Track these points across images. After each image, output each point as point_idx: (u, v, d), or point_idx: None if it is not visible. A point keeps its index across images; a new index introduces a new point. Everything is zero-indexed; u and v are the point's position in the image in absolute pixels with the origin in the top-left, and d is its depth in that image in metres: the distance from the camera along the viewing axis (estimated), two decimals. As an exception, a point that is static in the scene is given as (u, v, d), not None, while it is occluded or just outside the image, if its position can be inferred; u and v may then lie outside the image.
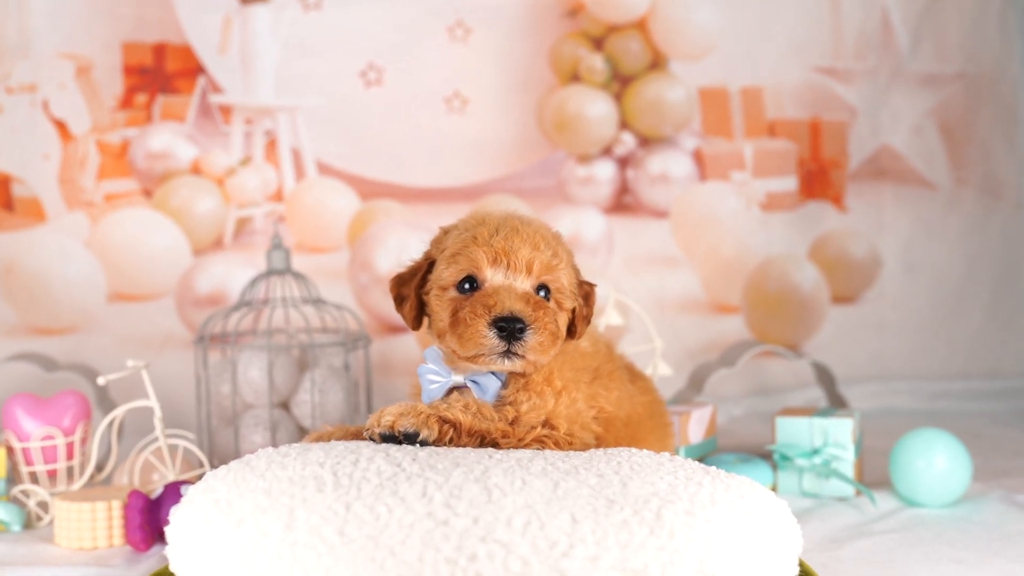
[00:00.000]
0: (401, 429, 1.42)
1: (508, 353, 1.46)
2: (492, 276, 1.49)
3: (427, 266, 1.58)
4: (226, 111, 2.67)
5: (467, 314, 1.46)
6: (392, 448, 1.35)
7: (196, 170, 2.65)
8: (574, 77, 2.77)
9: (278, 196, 2.69)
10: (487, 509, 1.14)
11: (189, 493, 1.25)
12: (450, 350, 1.53)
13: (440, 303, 1.53)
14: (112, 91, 2.61)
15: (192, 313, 2.59)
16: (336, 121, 2.68)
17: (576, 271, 1.60)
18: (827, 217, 2.89)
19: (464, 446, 1.45)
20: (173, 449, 1.96)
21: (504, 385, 1.53)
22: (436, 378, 1.55)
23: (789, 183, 2.84)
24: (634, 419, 1.62)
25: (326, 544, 1.11)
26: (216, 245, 2.65)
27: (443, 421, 1.44)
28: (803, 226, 2.87)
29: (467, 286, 1.51)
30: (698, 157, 2.82)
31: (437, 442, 1.44)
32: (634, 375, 1.72)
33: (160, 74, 2.63)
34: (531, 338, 1.46)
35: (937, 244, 2.92)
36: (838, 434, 1.96)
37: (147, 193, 2.63)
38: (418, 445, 1.42)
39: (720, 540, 1.18)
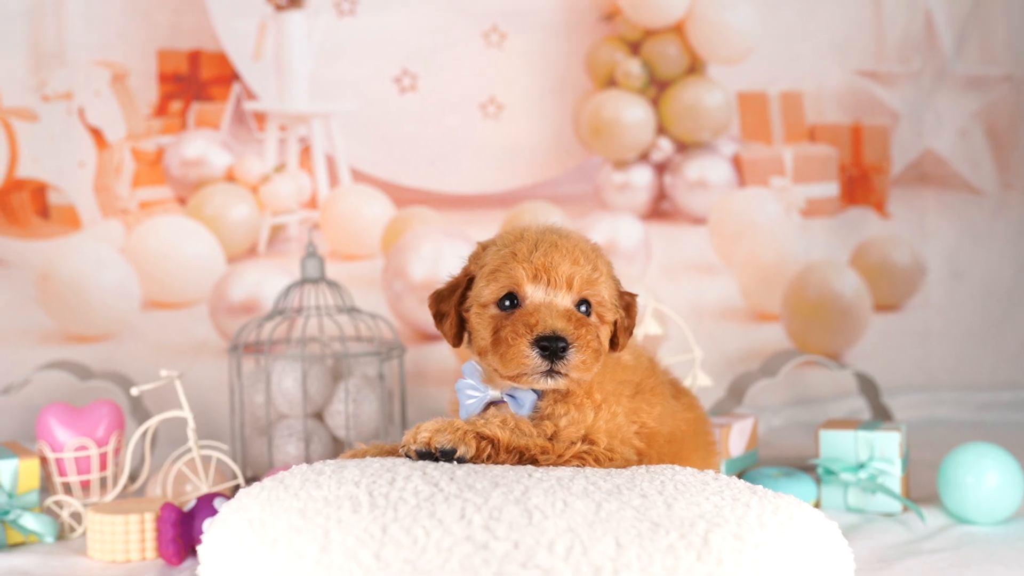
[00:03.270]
0: (438, 446, 1.40)
1: (551, 372, 1.44)
2: (533, 293, 1.47)
3: (466, 282, 1.56)
4: (260, 118, 2.65)
5: (508, 333, 1.45)
6: (429, 466, 1.32)
7: (230, 177, 2.63)
8: (610, 82, 2.75)
9: (312, 203, 2.67)
10: (528, 532, 1.11)
11: (222, 511, 1.23)
12: (491, 368, 1.51)
13: (481, 321, 1.51)
14: (147, 98, 2.61)
15: (226, 321, 2.58)
16: (370, 127, 2.67)
17: (617, 282, 1.57)
18: (869, 223, 2.85)
19: (502, 463, 1.42)
20: (206, 460, 1.94)
21: (540, 398, 1.51)
22: (474, 393, 1.53)
23: (830, 189, 2.81)
24: (677, 436, 1.58)
25: (362, 568, 1.08)
26: (250, 253, 2.63)
27: (481, 437, 1.42)
28: (844, 232, 2.83)
29: (508, 303, 1.49)
30: (737, 162, 2.79)
31: (475, 459, 1.41)
32: (678, 390, 1.69)
33: (195, 81, 2.62)
34: (573, 356, 1.44)
35: (983, 250, 2.88)
36: (884, 448, 1.91)
37: (182, 200, 2.62)
38: (455, 462, 1.39)
39: (770, 565, 1.13)
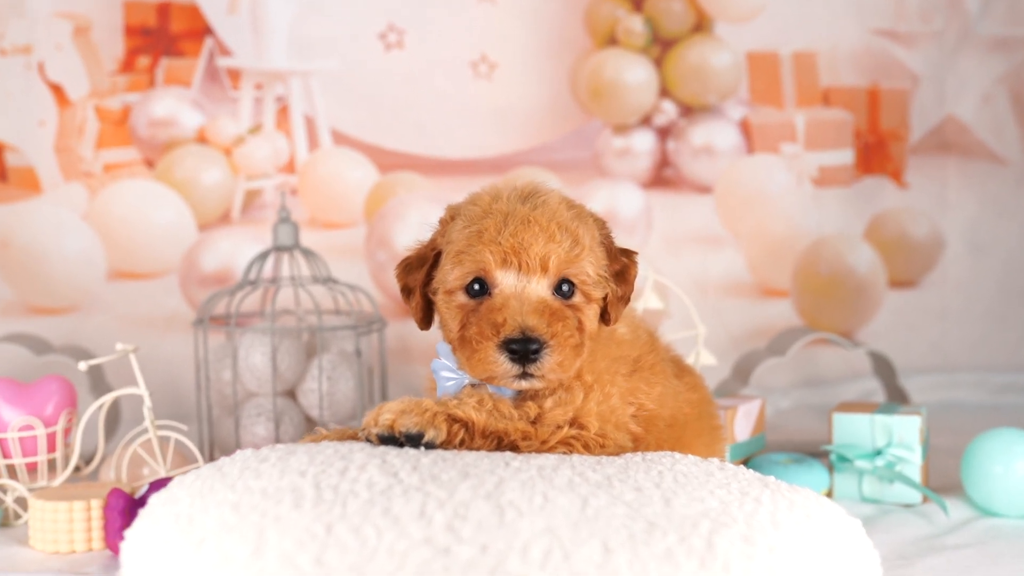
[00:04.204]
0: (402, 430, 1.24)
1: (524, 375, 1.31)
2: (503, 279, 1.33)
3: (434, 258, 1.41)
4: (235, 75, 2.55)
5: (474, 334, 1.31)
6: (390, 453, 1.16)
7: (202, 139, 2.53)
8: (611, 40, 2.64)
9: (290, 167, 2.56)
10: (499, 534, 0.94)
11: (149, 503, 1.06)
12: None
13: (448, 309, 1.38)
14: (112, 53, 2.49)
15: (197, 292, 2.48)
16: (353, 87, 2.56)
17: (607, 247, 1.41)
18: (885, 194, 2.74)
19: (478, 449, 1.25)
20: (164, 442, 1.82)
21: None
22: (451, 375, 1.39)
23: (844, 156, 2.71)
24: (679, 419, 1.42)
25: (300, 575, 0.91)
26: (223, 219, 2.53)
27: (453, 420, 1.26)
28: (859, 203, 2.73)
29: (477, 287, 1.35)
30: (745, 128, 2.69)
31: (445, 445, 1.25)
32: (680, 369, 1.53)
33: (164, 35, 2.51)
34: (548, 359, 1.30)
35: (1006, 223, 2.77)
36: (904, 433, 1.81)
37: (149, 163, 2.52)
38: (422, 448, 1.23)
39: (784, 572, 0.97)
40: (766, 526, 1.01)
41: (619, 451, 1.33)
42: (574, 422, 1.30)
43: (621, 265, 1.41)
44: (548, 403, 1.30)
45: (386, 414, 1.25)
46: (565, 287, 1.35)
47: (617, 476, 1.12)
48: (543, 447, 1.28)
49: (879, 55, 2.70)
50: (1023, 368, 2.73)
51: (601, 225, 1.43)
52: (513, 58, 2.60)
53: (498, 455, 1.21)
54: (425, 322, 1.44)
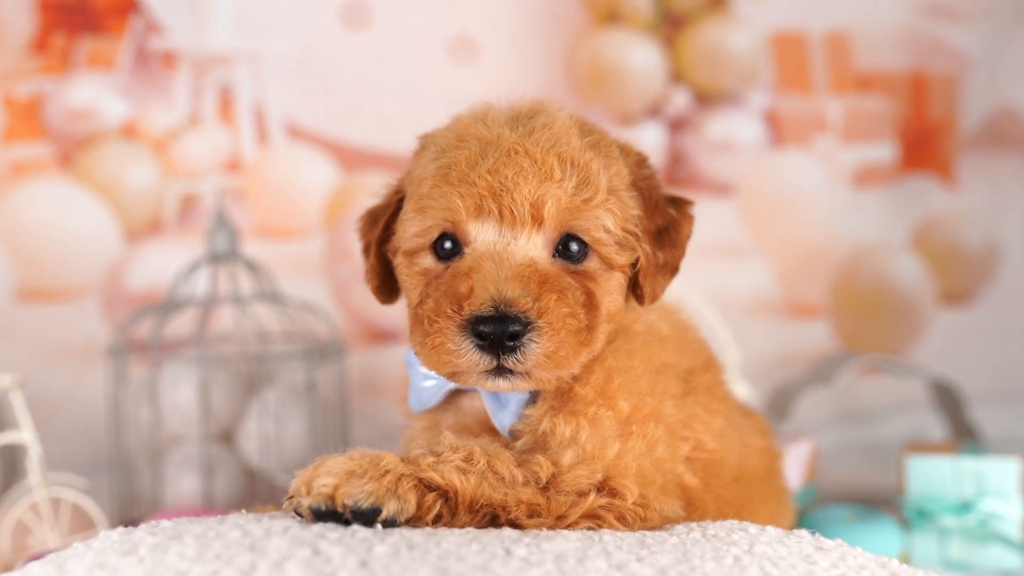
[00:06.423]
0: (349, 502, 0.84)
1: (500, 370, 0.95)
2: (478, 233, 0.99)
3: (396, 204, 1.08)
4: (169, 58, 2.33)
5: (429, 311, 0.96)
6: (327, 537, 0.76)
7: (129, 132, 2.32)
8: (613, 17, 2.48)
9: (235, 166, 2.36)
10: None
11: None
12: None
13: (409, 277, 1.03)
14: (21, 30, 2.26)
15: (123, 315, 2.22)
16: (311, 72, 2.37)
17: (645, 191, 1.05)
18: (933, 195, 2.58)
19: (462, 527, 0.86)
20: (57, 502, 1.50)
21: (532, 399, 1.02)
22: (431, 373, 1.04)
23: (885, 151, 2.55)
24: (747, 472, 1.03)
25: None
26: (154, 229, 2.31)
27: (425, 487, 0.86)
28: (903, 206, 2.57)
29: (448, 245, 1.00)
30: (770, 118, 2.53)
31: (414, 522, 0.85)
32: (742, 408, 1.15)
33: (85, 9, 2.29)
34: (534, 347, 0.94)
35: None
36: (998, 481, 1.58)
37: (66, 161, 2.30)
38: (378, 527, 0.83)
39: None
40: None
41: (664, 523, 0.94)
42: (604, 486, 0.91)
43: (666, 219, 1.05)
44: (567, 456, 0.91)
45: (325, 477, 0.85)
46: (574, 246, 1.00)
47: (676, 568, 0.72)
48: (559, 524, 0.88)
49: (924, 35, 2.55)
50: (1097, 396, 2.56)
51: (637, 162, 1.06)
52: (499, 39, 2.43)
53: (493, 536, 0.81)
54: (383, 292, 1.09)
